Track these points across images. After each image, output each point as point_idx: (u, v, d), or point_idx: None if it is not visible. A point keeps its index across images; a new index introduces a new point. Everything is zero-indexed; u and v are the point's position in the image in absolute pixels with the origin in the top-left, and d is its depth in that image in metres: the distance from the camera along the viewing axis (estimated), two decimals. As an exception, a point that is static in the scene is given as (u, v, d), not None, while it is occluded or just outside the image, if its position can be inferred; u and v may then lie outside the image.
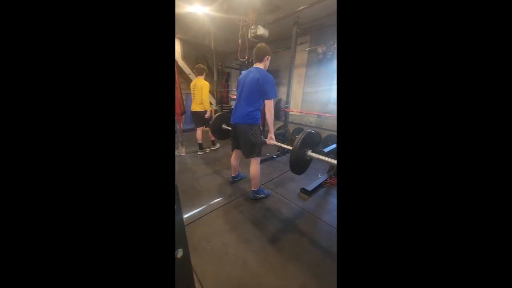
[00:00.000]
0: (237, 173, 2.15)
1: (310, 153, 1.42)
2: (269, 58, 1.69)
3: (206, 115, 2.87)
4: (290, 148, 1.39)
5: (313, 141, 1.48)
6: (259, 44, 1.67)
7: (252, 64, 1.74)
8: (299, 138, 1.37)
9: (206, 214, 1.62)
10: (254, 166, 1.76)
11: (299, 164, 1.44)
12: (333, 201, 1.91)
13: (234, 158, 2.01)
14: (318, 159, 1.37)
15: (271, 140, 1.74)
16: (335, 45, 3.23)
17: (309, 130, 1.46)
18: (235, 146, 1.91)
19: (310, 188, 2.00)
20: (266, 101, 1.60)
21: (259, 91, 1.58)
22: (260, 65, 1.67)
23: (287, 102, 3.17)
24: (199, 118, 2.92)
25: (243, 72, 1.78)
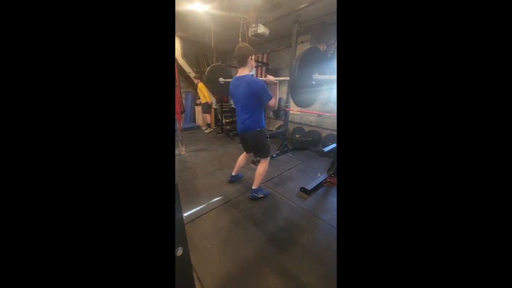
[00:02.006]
0: (237, 173, 2.15)
1: (317, 76, 1.02)
2: (253, 57, 1.53)
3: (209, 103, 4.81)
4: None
5: (319, 59, 1.00)
6: (239, 44, 1.48)
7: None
8: (297, 57, 0.97)
9: (206, 213, 1.62)
10: (262, 165, 1.81)
11: (305, 92, 1.08)
12: (332, 200, 1.92)
13: (243, 157, 2.06)
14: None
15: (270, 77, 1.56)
16: (336, 44, 3.22)
17: (308, 46, 1.02)
18: (246, 150, 1.97)
19: (309, 187, 2.01)
20: (268, 102, 1.53)
21: (257, 99, 1.53)
22: (245, 70, 1.54)
23: (287, 101, 3.17)
24: (209, 106, 4.72)
25: (231, 83, 1.66)
